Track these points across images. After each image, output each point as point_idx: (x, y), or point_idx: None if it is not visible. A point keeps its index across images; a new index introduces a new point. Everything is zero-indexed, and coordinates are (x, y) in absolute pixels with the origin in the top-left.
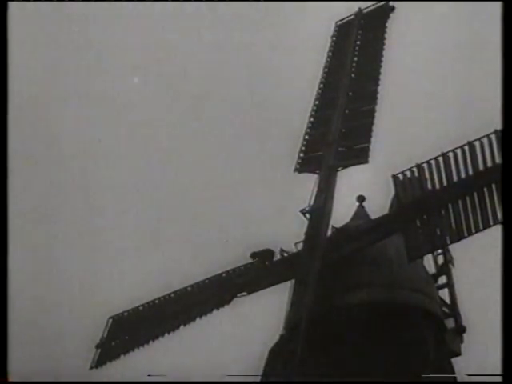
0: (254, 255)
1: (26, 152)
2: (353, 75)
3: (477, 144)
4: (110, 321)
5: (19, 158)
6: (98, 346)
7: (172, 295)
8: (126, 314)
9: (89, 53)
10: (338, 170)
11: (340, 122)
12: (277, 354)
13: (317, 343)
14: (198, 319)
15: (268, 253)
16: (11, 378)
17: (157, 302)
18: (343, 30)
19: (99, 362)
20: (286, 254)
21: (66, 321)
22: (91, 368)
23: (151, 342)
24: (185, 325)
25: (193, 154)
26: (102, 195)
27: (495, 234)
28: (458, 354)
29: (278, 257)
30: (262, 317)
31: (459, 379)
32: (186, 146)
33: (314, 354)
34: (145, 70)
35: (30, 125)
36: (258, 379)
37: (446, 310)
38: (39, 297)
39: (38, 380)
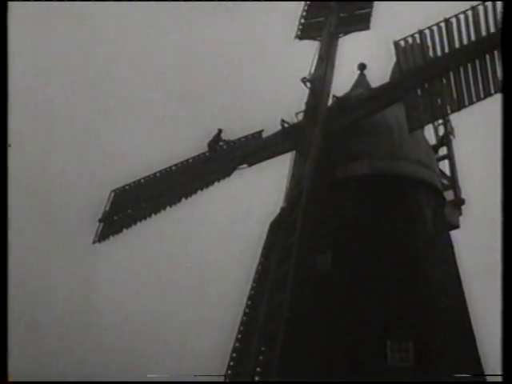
0: (209, 145)
1: None
2: None
3: (480, 9)
4: (112, 194)
5: None
6: (100, 220)
7: (173, 168)
8: (127, 187)
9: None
10: (339, 37)
11: None
12: (277, 227)
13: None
14: (199, 191)
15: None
16: (11, 378)
17: (158, 174)
18: None
19: (102, 236)
20: (286, 125)
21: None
22: (94, 242)
23: (153, 215)
24: (186, 197)
25: (195, 24)
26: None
27: (496, 103)
28: (457, 226)
29: (278, 128)
30: (263, 189)
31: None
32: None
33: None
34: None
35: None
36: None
37: (445, 182)
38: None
39: (38, 380)
